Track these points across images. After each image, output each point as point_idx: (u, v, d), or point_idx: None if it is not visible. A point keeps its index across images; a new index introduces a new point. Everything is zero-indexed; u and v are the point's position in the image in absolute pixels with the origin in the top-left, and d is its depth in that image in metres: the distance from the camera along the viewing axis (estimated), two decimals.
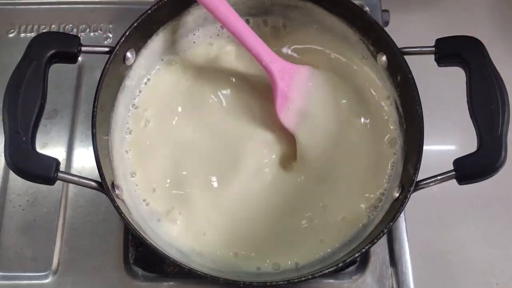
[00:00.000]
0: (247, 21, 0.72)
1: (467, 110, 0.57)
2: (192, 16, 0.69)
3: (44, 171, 0.54)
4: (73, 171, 0.72)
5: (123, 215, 0.56)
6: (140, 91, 0.69)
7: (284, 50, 0.72)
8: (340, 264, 0.56)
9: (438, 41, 0.61)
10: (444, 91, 0.71)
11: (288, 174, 0.67)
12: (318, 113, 0.68)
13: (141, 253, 0.69)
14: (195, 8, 0.68)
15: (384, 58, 0.66)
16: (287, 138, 0.68)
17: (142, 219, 0.63)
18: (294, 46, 0.72)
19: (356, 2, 0.66)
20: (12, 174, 0.70)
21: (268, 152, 0.68)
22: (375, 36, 0.66)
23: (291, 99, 0.67)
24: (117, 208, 0.56)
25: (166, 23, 0.67)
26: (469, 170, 0.57)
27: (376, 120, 0.68)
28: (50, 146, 0.74)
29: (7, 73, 0.57)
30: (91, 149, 0.58)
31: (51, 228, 0.70)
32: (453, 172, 0.57)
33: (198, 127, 0.68)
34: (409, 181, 0.58)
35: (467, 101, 0.58)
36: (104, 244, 0.69)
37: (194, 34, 0.71)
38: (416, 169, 0.58)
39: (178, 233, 0.64)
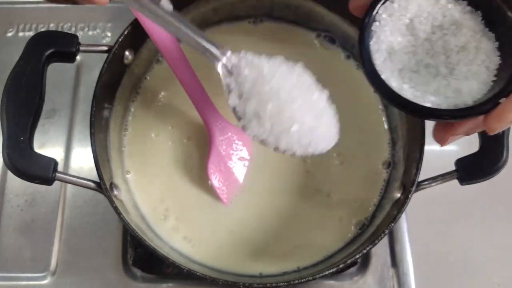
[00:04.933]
0: (249, 22, 0.72)
1: None
2: (190, 16, 0.69)
3: (42, 172, 0.54)
4: (71, 171, 0.72)
5: (121, 215, 0.56)
6: (138, 90, 0.69)
7: (281, 48, 0.72)
8: (341, 265, 0.56)
9: None
10: None
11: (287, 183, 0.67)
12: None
13: (140, 254, 0.68)
14: (193, 8, 0.68)
15: None
16: None
17: (141, 220, 0.63)
18: (292, 46, 0.72)
19: None
20: (10, 174, 0.71)
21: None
22: None
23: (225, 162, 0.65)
24: (115, 208, 0.56)
25: None
26: (471, 170, 0.57)
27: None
28: (48, 146, 0.74)
29: (5, 72, 0.56)
30: (89, 149, 0.58)
31: (49, 229, 0.70)
32: (455, 173, 0.57)
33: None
34: (410, 181, 0.58)
35: None
36: (103, 244, 0.68)
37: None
38: (418, 169, 0.57)
39: (177, 233, 0.64)
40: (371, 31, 0.46)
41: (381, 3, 0.47)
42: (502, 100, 0.41)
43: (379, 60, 0.46)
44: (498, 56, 0.45)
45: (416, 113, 0.44)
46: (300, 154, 0.46)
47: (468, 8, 0.46)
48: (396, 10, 0.47)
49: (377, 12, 0.46)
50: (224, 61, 0.46)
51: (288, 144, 0.46)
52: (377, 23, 0.47)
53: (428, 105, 0.44)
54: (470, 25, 0.46)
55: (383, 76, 0.45)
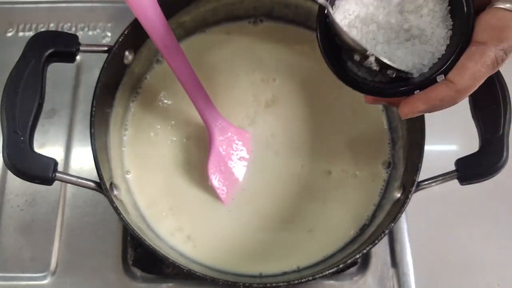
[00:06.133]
0: (249, 22, 0.72)
1: (469, 110, 0.57)
2: (190, 16, 0.69)
3: (42, 172, 0.54)
4: (71, 171, 0.72)
5: (121, 215, 0.56)
6: (138, 90, 0.69)
7: (281, 48, 0.72)
8: (341, 265, 0.56)
9: None
10: None
11: (287, 183, 0.67)
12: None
13: (140, 254, 0.68)
14: (193, 8, 0.68)
15: None
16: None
17: (141, 220, 0.63)
18: (292, 45, 0.72)
19: None
20: (10, 174, 0.71)
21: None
22: None
23: (224, 161, 0.66)
24: (115, 208, 0.56)
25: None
26: (471, 170, 0.56)
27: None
28: (48, 146, 0.74)
29: (5, 72, 0.56)
30: (89, 149, 0.58)
31: (49, 229, 0.69)
32: (455, 173, 0.57)
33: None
34: (410, 181, 0.58)
35: (469, 101, 0.57)
36: (103, 245, 0.68)
37: (193, 34, 0.72)
38: (418, 169, 0.57)
39: (177, 233, 0.64)
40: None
41: None
42: (417, 91, 0.45)
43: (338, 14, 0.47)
44: (447, 45, 0.46)
45: (338, 75, 0.48)
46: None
47: None
48: None
49: None
50: None
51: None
52: None
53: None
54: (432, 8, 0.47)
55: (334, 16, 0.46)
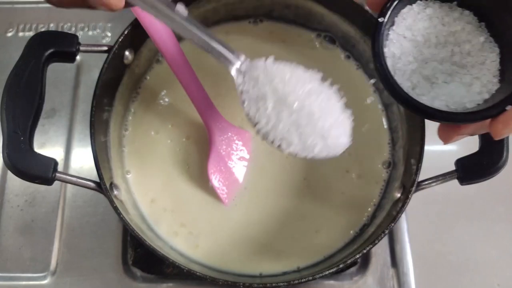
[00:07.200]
0: (249, 22, 0.72)
1: None
2: (190, 16, 0.69)
3: (42, 172, 0.54)
4: (71, 171, 0.72)
5: (121, 215, 0.56)
6: (138, 90, 0.69)
7: (281, 48, 0.72)
8: (341, 265, 0.56)
9: None
10: None
11: (287, 183, 0.67)
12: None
13: (140, 254, 0.68)
14: (193, 8, 0.68)
15: None
16: None
17: (141, 220, 0.63)
18: (292, 46, 0.72)
19: (357, 0, 0.66)
20: (10, 174, 0.70)
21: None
22: None
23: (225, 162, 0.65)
24: (115, 208, 0.56)
25: None
26: (471, 170, 0.57)
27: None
28: (48, 146, 0.74)
29: (5, 72, 0.56)
30: (89, 149, 0.58)
31: (49, 229, 0.70)
32: (455, 173, 0.57)
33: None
34: (410, 181, 0.58)
35: None
36: (103, 245, 0.68)
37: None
38: (418, 169, 0.57)
39: (177, 233, 0.64)
40: (386, 29, 0.46)
41: (396, 2, 0.46)
42: (508, 107, 0.42)
43: (389, 63, 0.46)
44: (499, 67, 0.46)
45: (426, 114, 0.45)
46: (305, 156, 0.47)
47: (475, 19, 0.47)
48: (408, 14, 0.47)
49: (392, 11, 0.46)
50: (238, 65, 0.46)
51: (298, 147, 0.47)
52: (389, 24, 0.47)
53: (436, 106, 0.45)
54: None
55: (396, 78, 0.46)
